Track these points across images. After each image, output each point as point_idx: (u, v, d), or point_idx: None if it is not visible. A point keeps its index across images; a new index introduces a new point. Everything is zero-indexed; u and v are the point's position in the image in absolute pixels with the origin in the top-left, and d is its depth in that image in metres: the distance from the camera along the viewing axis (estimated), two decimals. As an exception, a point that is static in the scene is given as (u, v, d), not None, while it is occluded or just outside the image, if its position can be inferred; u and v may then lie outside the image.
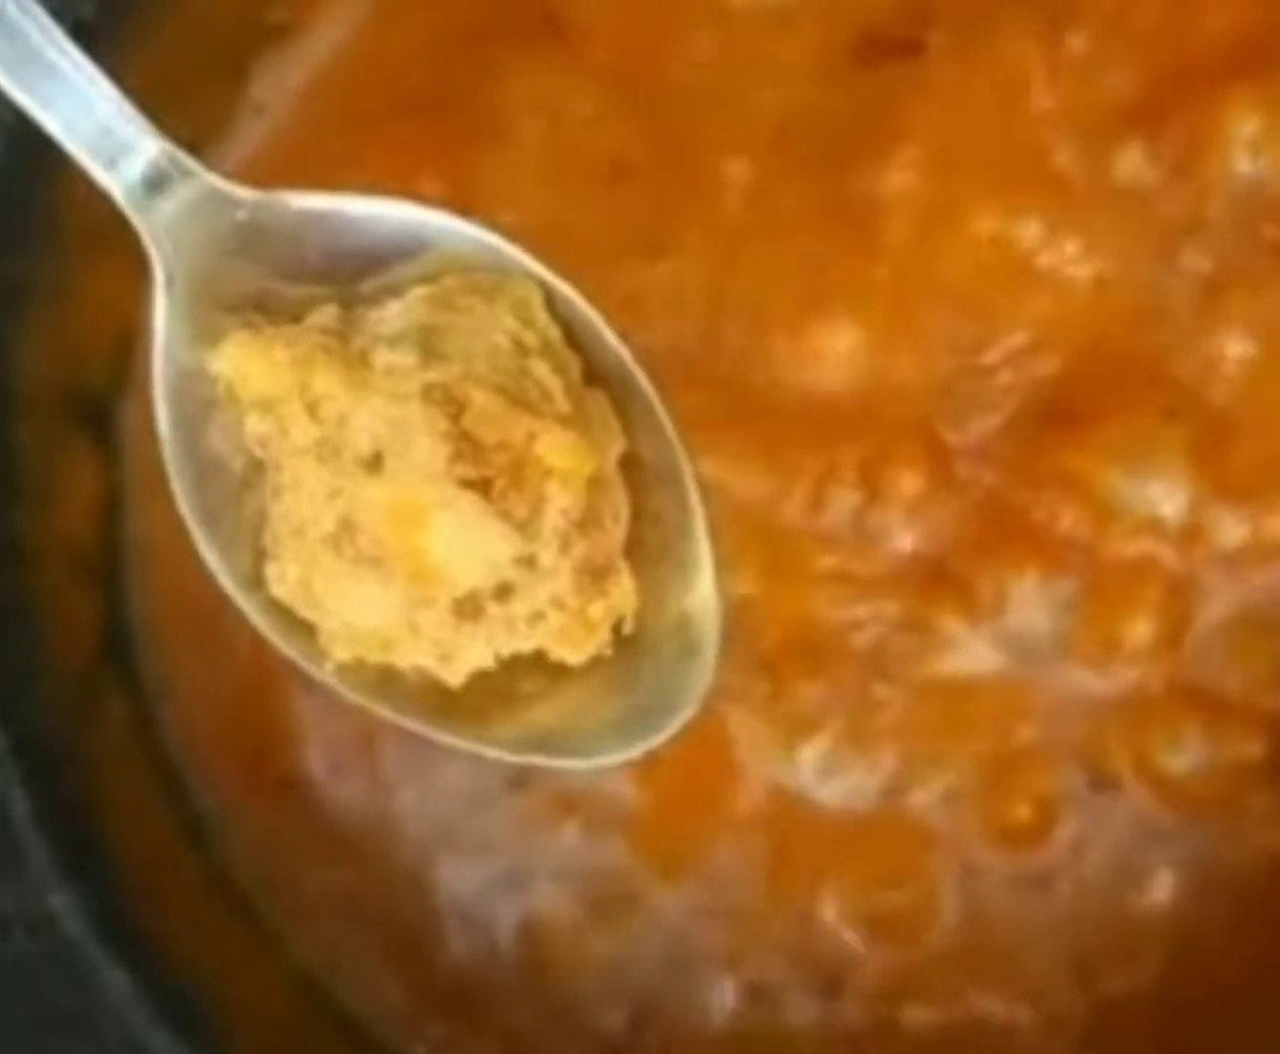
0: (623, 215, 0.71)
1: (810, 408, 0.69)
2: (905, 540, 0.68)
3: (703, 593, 0.56)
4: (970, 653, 0.68)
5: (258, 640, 0.69)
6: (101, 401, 0.72)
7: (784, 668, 0.68)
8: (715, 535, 0.63)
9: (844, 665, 0.68)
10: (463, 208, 0.70)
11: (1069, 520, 0.68)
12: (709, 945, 0.68)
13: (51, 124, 0.55)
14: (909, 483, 0.68)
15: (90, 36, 0.65)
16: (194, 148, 0.72)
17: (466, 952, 0.69)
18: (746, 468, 0.69)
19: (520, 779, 0.68)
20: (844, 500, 0.68)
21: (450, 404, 0.53)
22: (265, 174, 0.73)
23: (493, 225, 0.70)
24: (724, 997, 0.68)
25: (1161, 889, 0.67)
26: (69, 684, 0.67)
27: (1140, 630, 0.68)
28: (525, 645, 0.55)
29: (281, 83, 0.74)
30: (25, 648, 0.65)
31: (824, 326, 0.70)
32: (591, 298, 0.60)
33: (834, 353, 0.69)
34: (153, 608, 0.71)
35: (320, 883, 0.70)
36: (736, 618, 0.67)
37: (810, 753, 0.68)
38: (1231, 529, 0.68)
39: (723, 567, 0.60)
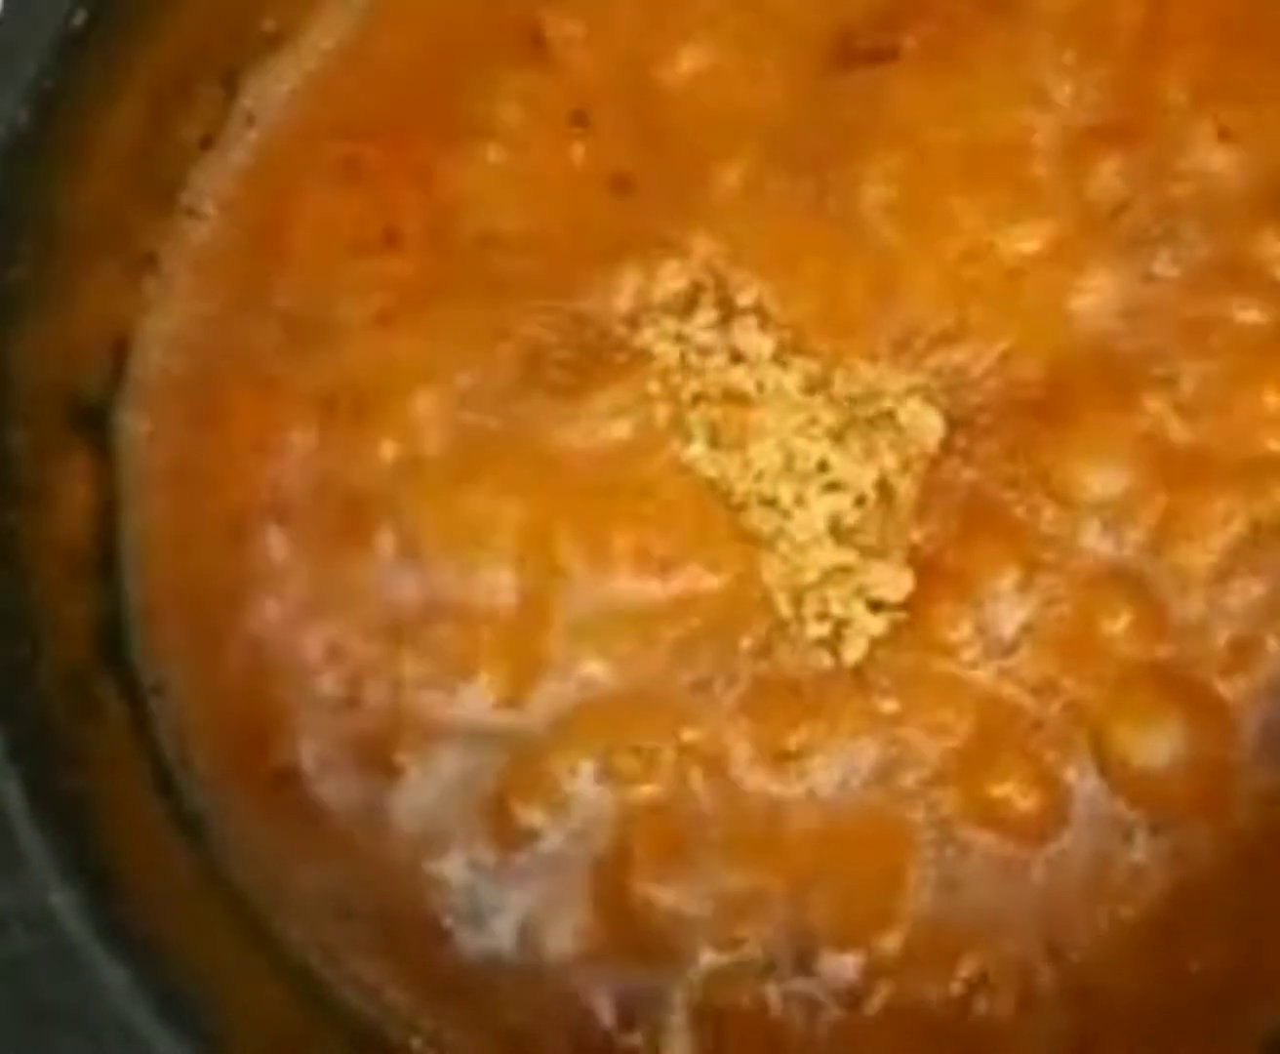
0: (612, 221, 0.73)
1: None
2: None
3: None
4: (955, 642, 0.68)
5: (252, 639, 0.71)
6: (97, 405, 0.73)
7: (776, 656, 0.69)
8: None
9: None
10: (451, 215, 0.73)
11: (1049, 517, 0.69)
12: (696, 933, 0.68)
13: None
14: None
15: (82, 45, 0.66)
16: (187, 158, 0.74)
17: (460, 946, 0.69)
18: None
19: (506, 773, 0.69)
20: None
21: None
22: (256, 182, 0.75)
23: (480, 231, 0.72)
24: (710, 982, 0.68)
25: (1138, 878, 0.68)
26: (65, 683, 0.67)
27: (1117, 625, 0.68)
28: None
29: (272, 92, 0.75)
30: (22, 647, 0.66)
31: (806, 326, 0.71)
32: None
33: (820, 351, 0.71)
34: (147, 607, 0.72)
35: (315, 878, 0.70)
36: (717, 604, 0.69)
37: (798, 737, 0.68)
38: (1203, 526, 0.69)
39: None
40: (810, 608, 0.69)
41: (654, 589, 0.69)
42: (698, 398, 0.71)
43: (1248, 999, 0.67)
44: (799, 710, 0.68)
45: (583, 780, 0.69)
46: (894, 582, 0.69)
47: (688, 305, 0.72)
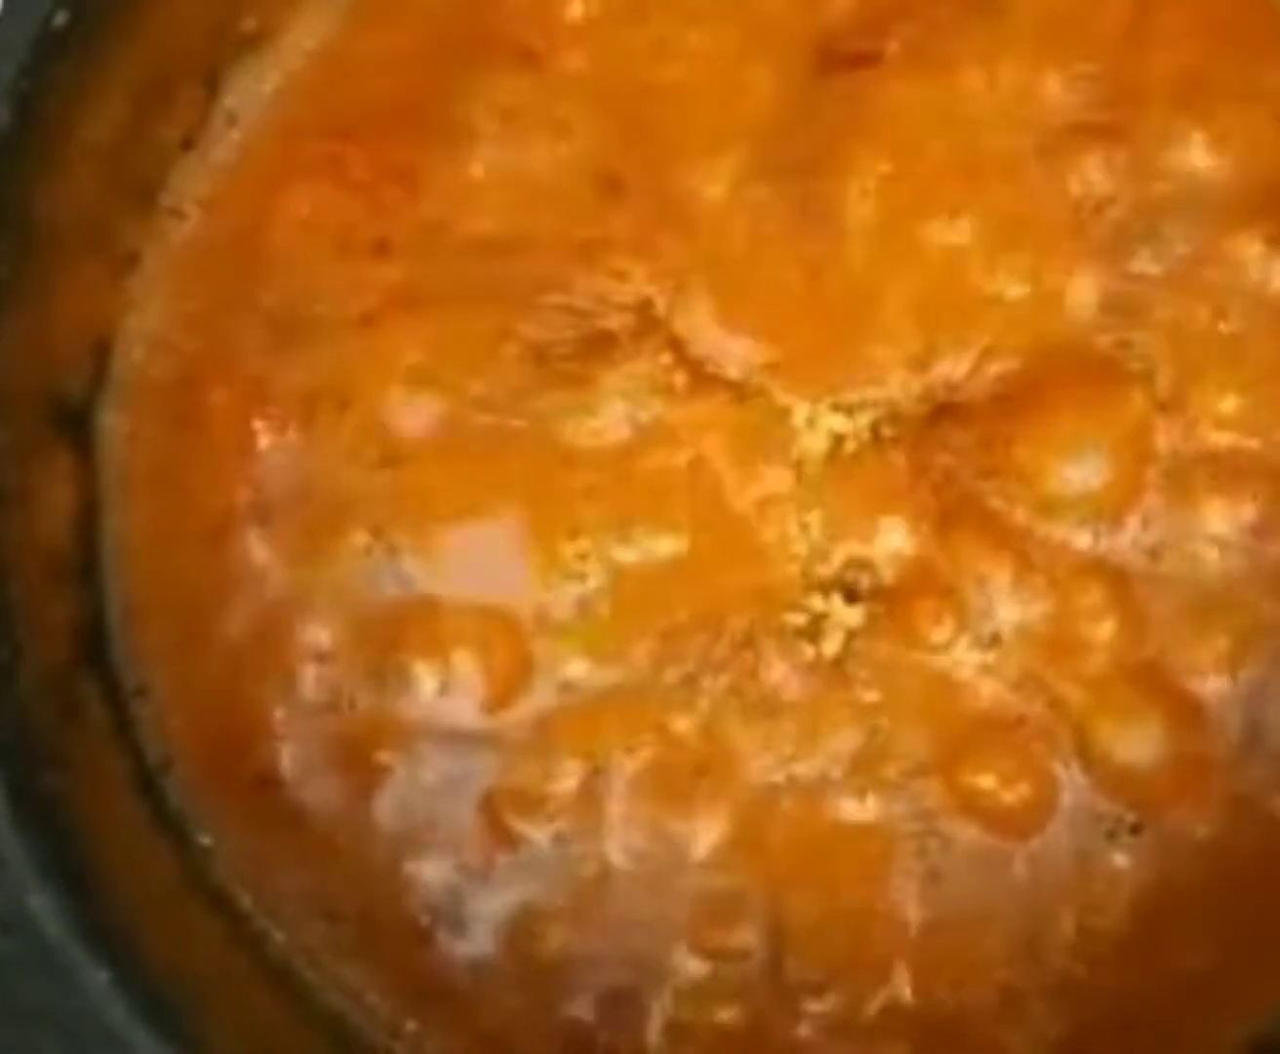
0: (601, 218, 0.73)
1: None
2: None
3: None
4: (935, 635, 0.68)
5: (234, 641, 0.70)
6: (79, 405, 0.73)
7: (759, 649, 0.69)
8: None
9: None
10: (438, 217, 0.73)
11: (1027, 511, 0.69)
12: (678, 936, 0.68)
13: None
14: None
15: (62, 46, 0.66)
16: (168, 158, 0.74)
17: (443, 949, 0.69)
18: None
19: (492, 775, 0.69)
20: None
21: None
22: (237, 183, 0.75)
23: (469, 233, 0.72)
24: (692, 983, 0.68)
25: (1121, 877, 0.68)
26: (47, 685, 0.67)
27: (1097, 622, 0.69)
28: None
29: (253, 92, 0.75)
30: (2, 649, 0.65)
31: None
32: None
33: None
34: (129, 610, 0.72)
35: (297, 881, 0.70)
36: (705, 596, 0.69)
37: (782, 730, 0.68)
38: (1183, 522, 0.69)
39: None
40: (789, 599, 0.69)
41: (642, 585, 0.70)
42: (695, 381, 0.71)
43: (1232, 999, 0.68)
44: (782, 702, 0.68)
45: (568, 781, 0.69)
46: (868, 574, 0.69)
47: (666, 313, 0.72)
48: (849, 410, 0.71)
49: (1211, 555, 0.69)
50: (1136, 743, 0.68)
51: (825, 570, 0.70)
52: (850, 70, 0.73)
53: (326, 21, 0.75)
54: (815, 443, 0.70)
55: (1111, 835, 0.68)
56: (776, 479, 0.70)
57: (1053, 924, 0.67)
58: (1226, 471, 0.69)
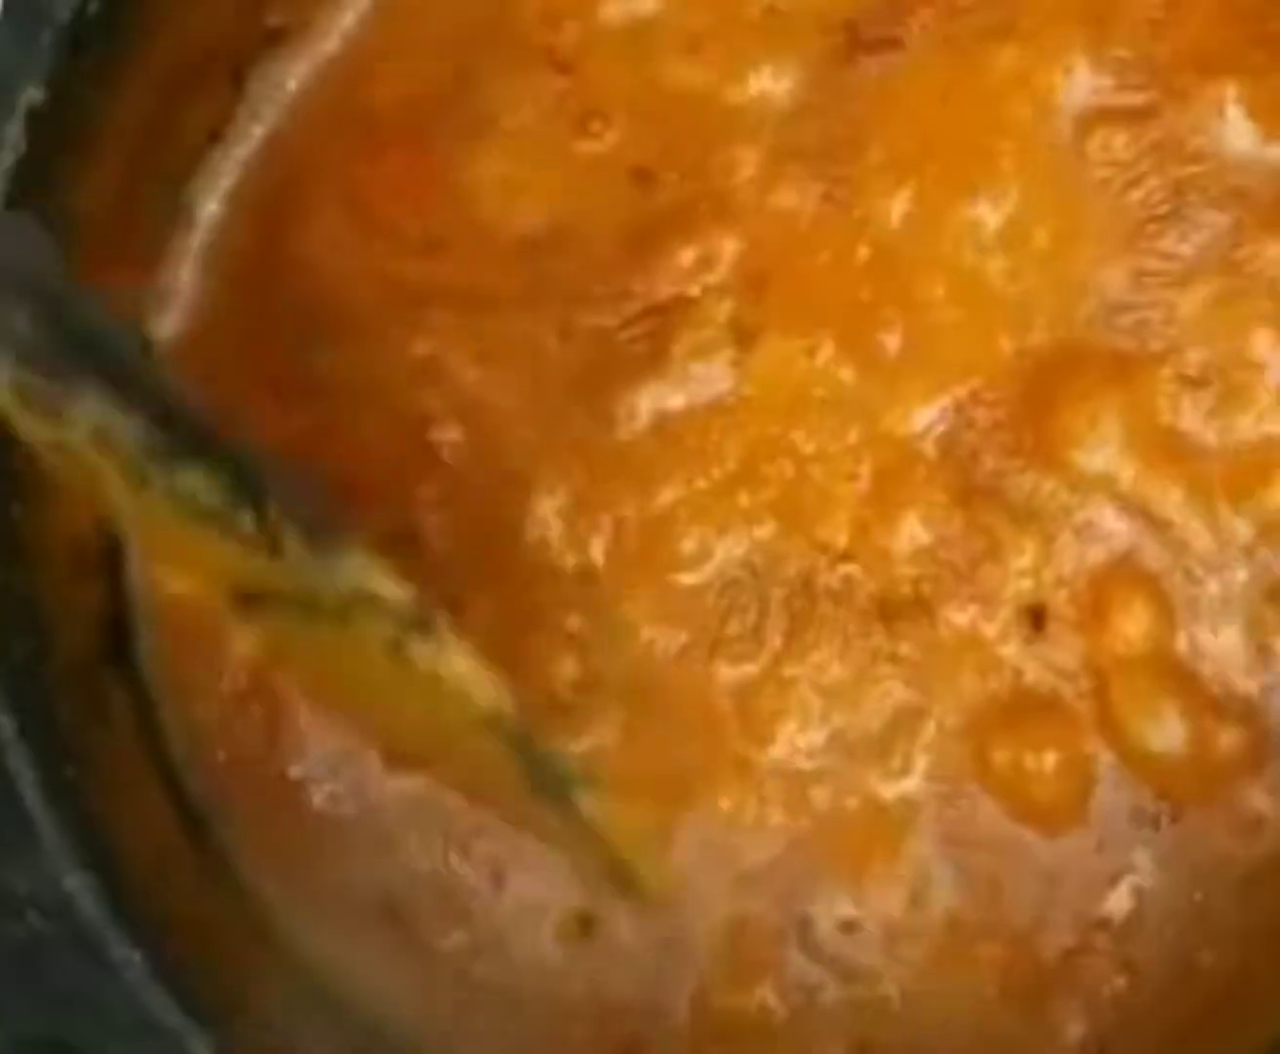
0: (637, 210, 0.73)
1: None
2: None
3: None
4: (972, 614, 0.69)
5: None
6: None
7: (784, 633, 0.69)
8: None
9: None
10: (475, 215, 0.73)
11: (1053, 493, 0.69)
12: (685, 938, 0.68)
13: None
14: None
15: (91, 37, 0.66)
16: (194, 152, 0.74)
17: (465, 950, 0.69)
18: None
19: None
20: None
21: None
22: (264, 178, 0.75)
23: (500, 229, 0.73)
24: (703, 991, 0.68)
25: (1152, 865, 0.68)
26: (74, 679, 0.67)
27: (1130, 610, 0.68)
28: None
29: (280, 87, 0.75)
30: (30, 640, 0.65)
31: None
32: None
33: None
34: (155, 605, 0.72)
35: (322, 880, 0.69)
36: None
37: (790, 725, 0.68)
38: (1212, 510, 0.69)
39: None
40: (824, 568, 0.69)
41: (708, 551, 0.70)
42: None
43: (1255, 999, 0.67)
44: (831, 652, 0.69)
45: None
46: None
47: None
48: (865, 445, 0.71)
49: (1244, 543, 0.69)
50: (1166, 735, 0.67)
51: (858, 542, 0.70)
52: (873, 56, 0.73)
53: (353, 16, 0.76)
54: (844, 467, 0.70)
55: (1136, 826, 0.68)
56: (829, 434, 0.70)
57: (1081, 912, 0.67)
58: (1258, 457, 0.69)
